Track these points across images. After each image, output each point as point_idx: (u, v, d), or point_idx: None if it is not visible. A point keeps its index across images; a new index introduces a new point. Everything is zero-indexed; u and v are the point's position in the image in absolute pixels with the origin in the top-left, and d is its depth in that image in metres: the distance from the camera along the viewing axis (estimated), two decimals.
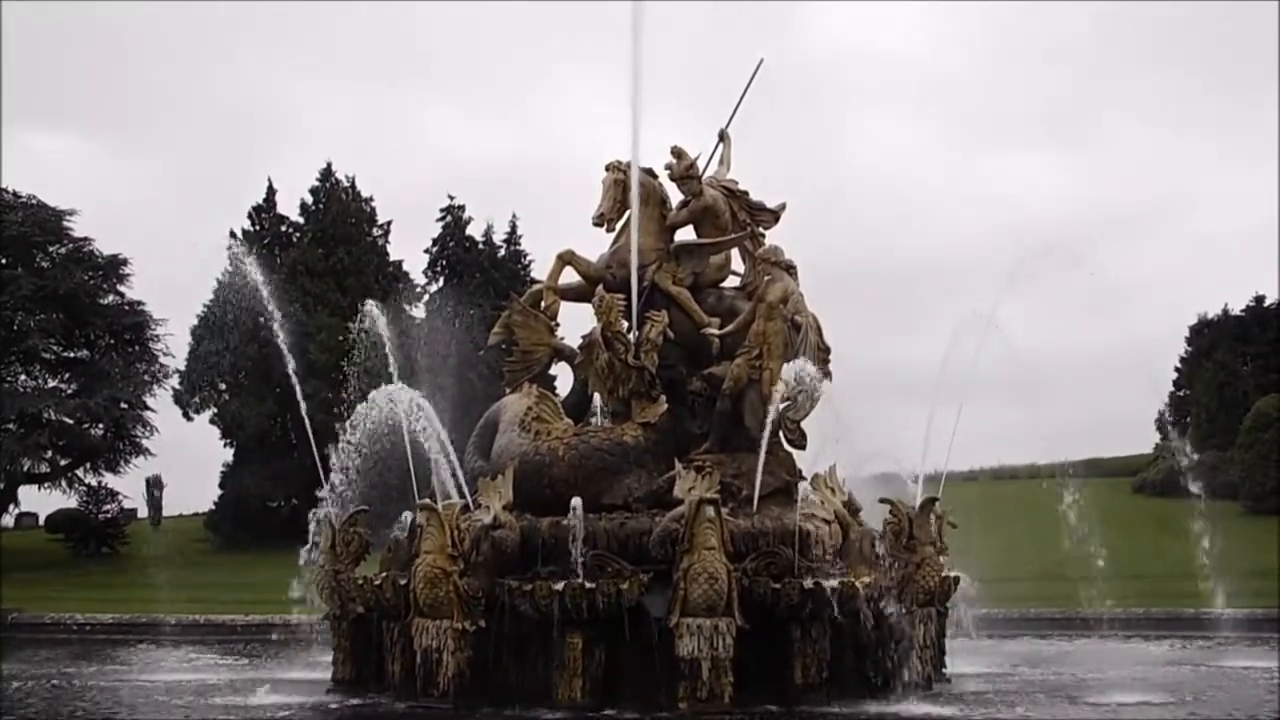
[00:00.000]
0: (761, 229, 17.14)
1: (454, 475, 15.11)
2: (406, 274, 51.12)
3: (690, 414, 15.77)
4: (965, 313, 15.98)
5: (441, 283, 52.22)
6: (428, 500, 14.60)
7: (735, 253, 17.30)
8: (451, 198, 53.69)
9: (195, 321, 45.97)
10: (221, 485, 47.46)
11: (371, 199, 51.27)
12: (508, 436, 15.40)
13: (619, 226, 16.83)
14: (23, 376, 42.81)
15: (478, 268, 51.92)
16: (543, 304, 16.90)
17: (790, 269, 15.81)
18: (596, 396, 16.20)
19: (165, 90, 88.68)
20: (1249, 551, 28.85)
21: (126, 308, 43.59)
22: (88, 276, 42.41)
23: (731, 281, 17.26)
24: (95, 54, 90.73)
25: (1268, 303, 58.15)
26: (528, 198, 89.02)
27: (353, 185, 50.94)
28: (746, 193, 17.25)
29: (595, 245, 17.04)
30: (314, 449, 16.92)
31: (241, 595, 29.67)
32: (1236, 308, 59.88)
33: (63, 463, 43.01)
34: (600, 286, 15.82)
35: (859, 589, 13.76)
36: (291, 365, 18.62)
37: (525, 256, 53.59)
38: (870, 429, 15.09)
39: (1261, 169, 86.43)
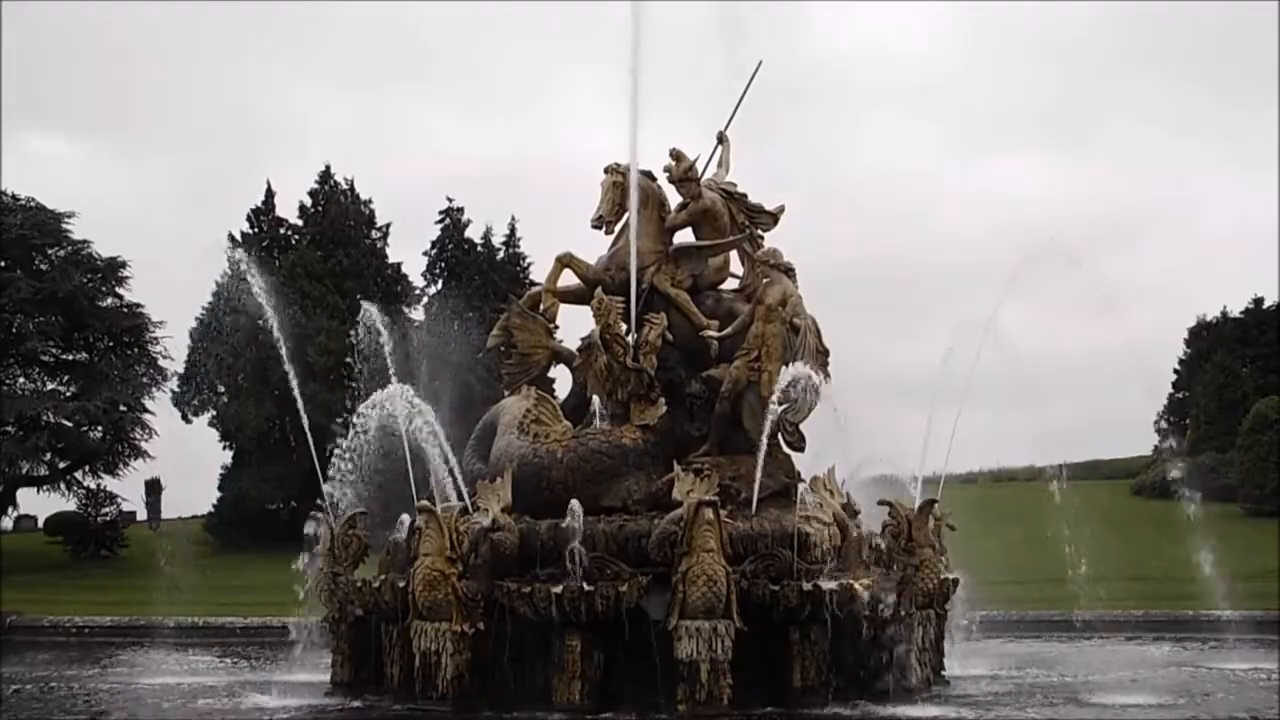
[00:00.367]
0: (760, 231, 17.14)
1: (453, 478, 15.12)
2: (405, 276, 51.11)
3: (689, 416, 15.77)
4: (965, 315, 16.02)
5: (440, 285, 52.24)
6: (426, 503, 14.61)
7: (734, 255, 17.30)
8: (450, 200, 53.75)
9: (194, 324, 46.00)
10: (220, 488, 47.43)
11: (370, 201, 51.29)
12: (506, 439, 15.40)
13: (618, 229, 16.84)
14: (21, 379, 42.79)
15: (476, 270, 51.91)
16: (541, 306, 16.91)
17: (789, 271, 15.82)
18: (595, 399, 16.18)
19: (164, 93, 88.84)
20: (1248, 554, 28.89)
21: (125, 310, 43.57)
22: (87, 279, 42.40)
23: (730, 284, 17.27)
24: (94, 56, 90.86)
25: (1267, 305, 58.25)
26: (527, 200, 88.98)
27: (351, 188, 50.95)
28: (745, 195, 17.26)
29: (594, 248, 17.06)
30: (313, 451, 16.92)
31: (240, 598, 29.66)
32: (1236, 310, 59.99)
33: (61, 465, 42.98)
34: (599, 289, 15.82)
35: (858, 591, 13.76)
36: (290, 368, 18.60)
37: (524, 259, 53.61)
38: (869, 431, 15.11)
39: (1261, 171, 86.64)
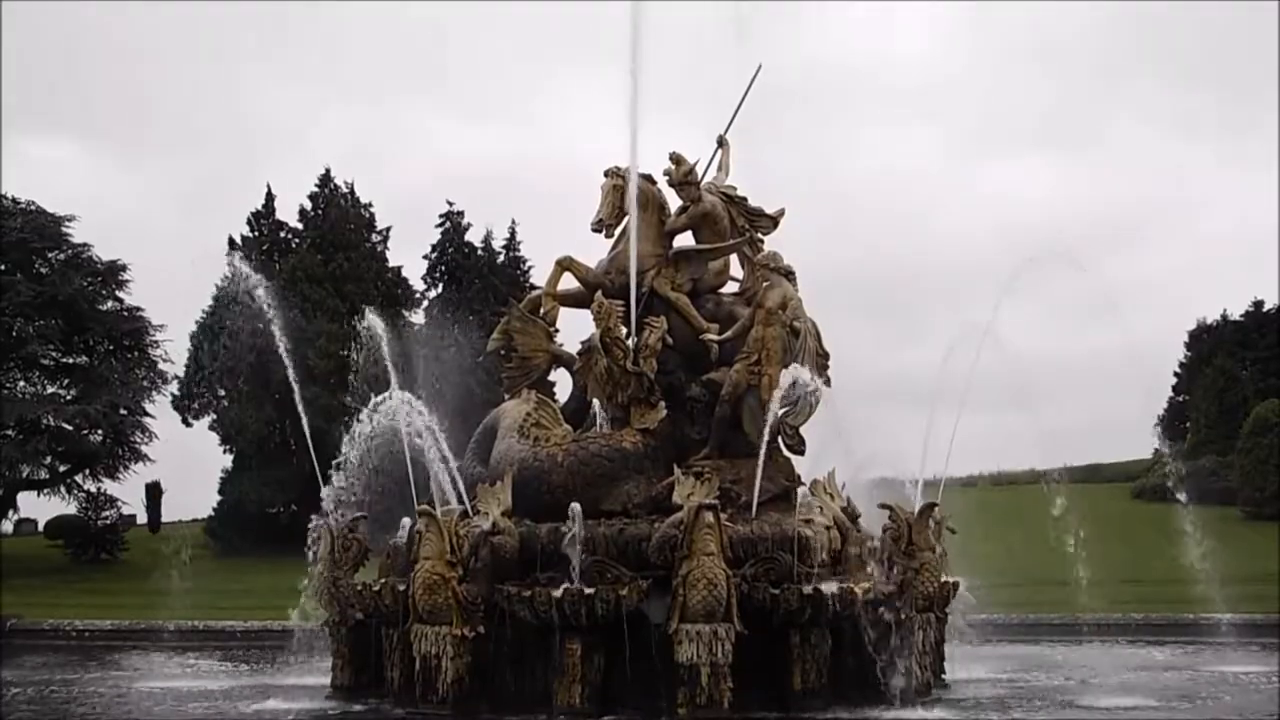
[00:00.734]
0: (760, 235, 17.14)
1: (453, 481, 15.11)
2: (405, 280, 51.19)
3: (689, 420, 15.76)
4: (965, 318, 16.02)
5: (440, 289, 52.33)
6: (426, 506, 14.59)
7: (734, 258, 17.30)
8: (450, 204, 53.86)
9: (194, 327, 46.06)
10: (221, 491, 47.49)
11: (370, 205, 51.39)
12: (506, 443, 15.40)
13: (618, 232, 16.84)
14: (22, 382, 42.84)
15: (477, 274, 51.98)
16: (541, 310, 16.89)
17: (789, 274, 15.83)
18: (595, 402, 16.19)
19: (164, 96, 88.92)
20: (1248, 557, 28.90)
21: (125, 314, 43.64)
22: (87, 283, 42.46)
23: (730, 287, 17.26)
24: (95, 60, 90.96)
25: (1267, 308, 58.30)
26: (527, 204, 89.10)
27: (352, 191, 51.05)
28: (745, 198, 17.25)
29: (594, 251, 17.06)
30: (313, 455, 16.92)
31: (241, 601, 29.66)
32: (1236, 313, 60.04)
33: (62, 469, 43.02)
34: (599, 292, 15.81)
35: (858, 594, 13.75)
36: (291, 371, 18.60)
37: (524, 262, 53.69)
38: (869, 434, 15.11)
39: (1261, 174, 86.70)
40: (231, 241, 48.45)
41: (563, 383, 17.21)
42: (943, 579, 15.09)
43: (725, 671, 13.04)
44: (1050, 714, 13.73)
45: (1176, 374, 60.61)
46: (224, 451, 48.06)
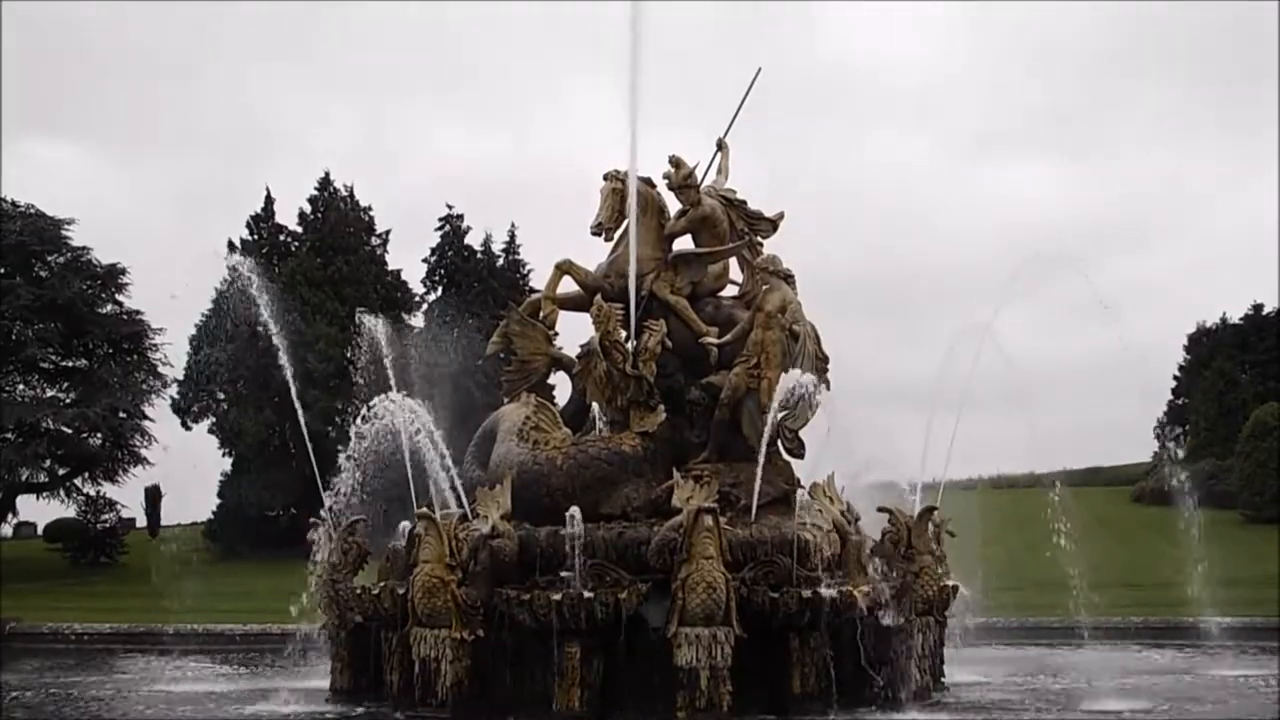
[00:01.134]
0: (759, 238, 17.14)
1: (452, 485, 15.11)
2: (405, 283, 51.18)
3: (688, 423, 15.76)
4: (964, 321, 16.02)
5: (440, 292, 52.31)
6: (426, 510, 14.59)
7: (733, 262, 17.30)
8: (450, 207, 53.86)
9: (194, 331, 46.06)
10: (220, 494, 47.48)
11: (370, 208, 51.38)
12: (506, 446, 15.40)
13: (617, 236, 16.84)
14: (21, 386, 42.84)
15: (476, 277, 51.99)
16: (541, 313, 16.89)
17: (788, 278, 15.83)
18: (595, 406, 16.19)
19: (163, 99, 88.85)
20: (1248, 560, 28.90)
21: (125, 317, 43.65)
22: (86, 286, 42.48)
23: (730, 291, 17.26)
24: (94, 63, 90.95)
25: (1266, 311, 58.28)
26: (526, 207, 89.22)
27: (351, 195, 51.04)
28: (745, 202, 17.26)
29: (593, 255, 17.07)
30: (312, 458, 16.94)
31: (240, 604, 29.65)
32: (1235, 316, 60.04)
33: (61, 472, 43.02)
34: (598, 296, 15.82)
35: (857, 598, 13.76)
36: (290, 375, 18.61)
37: (524, 266, 53.71)
38: (868, 438, 15.10)
39: (1261, 177, 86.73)
40: (231, 244, 48.44)
41: (562, 386, 17.22)
42: (942, 582, 15.09)
43: (724, 675, 13.04)
44: (1051, 717, 13.72)
45: (1176, 377, 60.62)
46: (223, 455, 48.09)
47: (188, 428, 47.72)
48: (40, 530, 48.19)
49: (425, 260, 53.18)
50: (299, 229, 50.54)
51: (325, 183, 50.68)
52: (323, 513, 15.75)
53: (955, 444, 15.82)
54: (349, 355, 19.01)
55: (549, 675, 13.37)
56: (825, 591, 13.58)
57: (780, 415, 14.82)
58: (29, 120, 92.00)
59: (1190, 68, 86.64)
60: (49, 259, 42.46)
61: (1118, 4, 77.44)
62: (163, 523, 50.44)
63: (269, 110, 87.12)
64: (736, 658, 13.12)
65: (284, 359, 18.45)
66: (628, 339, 15.63)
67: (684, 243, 17.00)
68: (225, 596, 31.34)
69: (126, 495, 45.92)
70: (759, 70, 17.60)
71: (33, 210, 42.27)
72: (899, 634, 14.04)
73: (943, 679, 15.56)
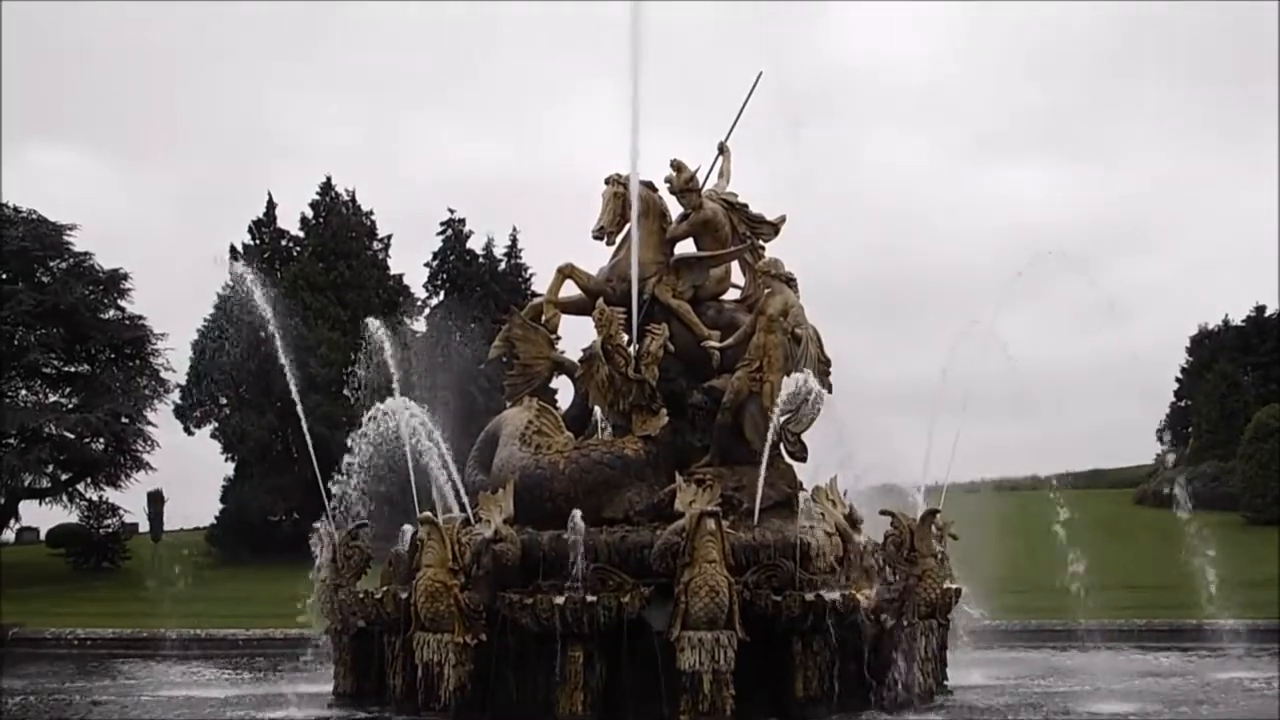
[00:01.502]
0: (761, 241, 17.16)
1: (454, 489, 15.12)
2: (407, 288, 51.16)
3: (691, 427, 15.78)
4: (966, 324, 16.01)
5: (442, 296, 52.31)
6: (428, 514, 14.61)
7: (735, 265, 17.32)
8: (452, 211, 53.87)
9: (196, 335, 46.03)
10: (223, 499, 47.46)
11: (371, 213, 51.36)
12: (508, 450, 15.41)
13: (619, 240, 16.87)
14: (23, 391, 42.78)
15: (478, 281, 52.00)
16: (543, 317, 16.92)
17: (790, 281, 15.84)
18: (597, 410, 16.20)
19: (166, 105, 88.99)
20: (1250, 563, 28.85)
21: (127, 322, 43.60)
22: (88, 291, 42.44)
23: (732, 294, 17.28)
24: (96, 68, 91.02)
25: (1268, 313, 58.25)
26: (528, 211, 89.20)
27: (353, 199, 51.02)
28: (746, 205, 17.28)
29: (595, 259, 17.09)
30: (315, 463, 16.94)
31: (243, 609, 29.62)
32: (1237, 318, 60.01)
33: (63, 477, 42.98)
34: (600, 300, 15.85)
35: (860, 601, 13.77)
36: (292, 379, 18.60)
37: (526, 270, 53.70)
38: (871, 440, 15.09)
39: (1262, 179, 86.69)
40: (233, 249, 48.45)
41: (564, 390, 17.23)
42: (945, 585, 15.09)
43: (727, 679, 13.05)
44: None
45: (1178, 379, 60.59)
46: (226, 459, 48.06)
47: (190, 432, 47.74)
48: (43, 535, 48.11)
49: (427, 264, 53.22)
50: (301, 233, 50.55)
51: (327, 187, 50.68)
52: (324, 518, 15.76)
53: (958, 446, 15.83)
54: (353, 360, 18.98)
55: (552, 679, 13.37)
56: (828, 595, 13.59)
57: (783, 419, 14.82)
58: (30, 125, 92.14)
59: (1190, 68, 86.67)
60: (51, 264, 42.42)
61: (1117, 4, 77.49)
62: (165, 528, 50.37)
63: (271, 114, 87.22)
64: (739, 661, 13.12)
65: (286, 364, 18.45)
66: (630, 343, 15.65)
67: (686, 246, 17.02)
68: (227, 601, 31.34)
69: (129, 500, 45.92)
70: (760, 74, 17.63)
71: (34, 216, 42.24)
72: (902, 637, 14.03)
73: (946, 682, 15.56)
